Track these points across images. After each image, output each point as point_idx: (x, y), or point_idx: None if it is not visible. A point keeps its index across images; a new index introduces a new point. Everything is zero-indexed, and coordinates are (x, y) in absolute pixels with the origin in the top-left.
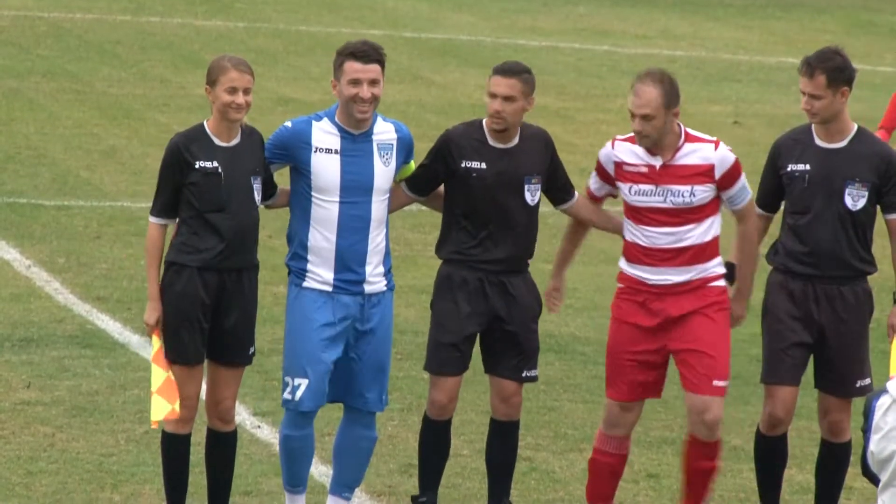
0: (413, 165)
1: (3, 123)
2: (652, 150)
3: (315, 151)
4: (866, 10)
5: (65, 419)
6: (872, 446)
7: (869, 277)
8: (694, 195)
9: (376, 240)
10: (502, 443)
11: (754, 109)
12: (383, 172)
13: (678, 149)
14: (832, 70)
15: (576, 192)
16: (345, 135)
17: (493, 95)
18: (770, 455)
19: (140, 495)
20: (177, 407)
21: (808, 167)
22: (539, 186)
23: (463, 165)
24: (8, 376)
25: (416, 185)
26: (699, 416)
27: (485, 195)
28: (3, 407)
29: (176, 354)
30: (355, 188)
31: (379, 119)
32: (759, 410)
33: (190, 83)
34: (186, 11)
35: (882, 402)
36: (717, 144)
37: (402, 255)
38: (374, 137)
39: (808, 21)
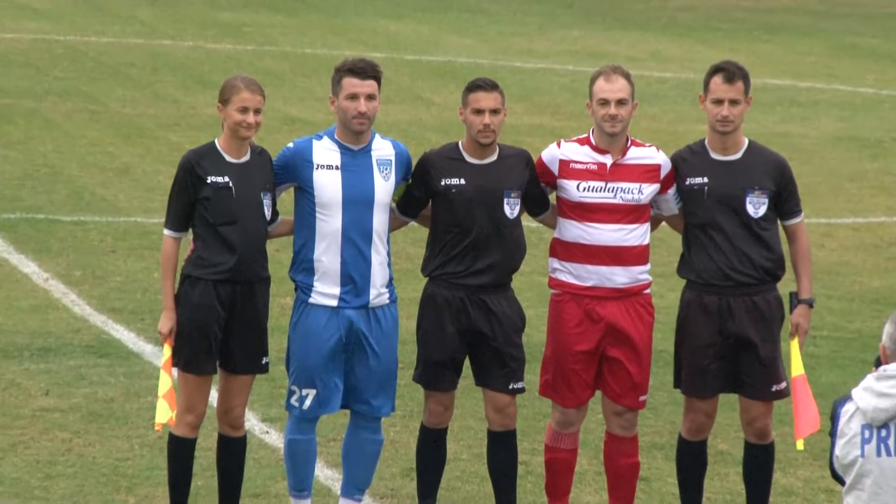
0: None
1: (22, 142)
2: (601, 149)
3: (317, 168)
4: (849, 33)
5: (81, 425)
6: (837, 451)
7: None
8: (642, 193)
9: (380, 253)
10: (502, 452)
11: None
12: (383, 186)
13: (626, 149)
14: (747, 78)
15: (551, 204)
16: (344, 150)
17: (478, 111)
18: (691, 460)
19: (153, 498)
20: (174, 416)
21: (706, 180)
22: (518, 201)
23: (443, 183)
24: (27, 384)
25: (405, 207)
26: (618, 417)
27: (466, 210)
28: (23, 413)
29: (189, 364)
30: (357, 201)
31: (377, 136)
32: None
33: (200, 103)
34: (197, 35)
35: (847, 409)
36: (657, 148)
37: (404, 269)
38: (373, 153)
39: (792, 44)
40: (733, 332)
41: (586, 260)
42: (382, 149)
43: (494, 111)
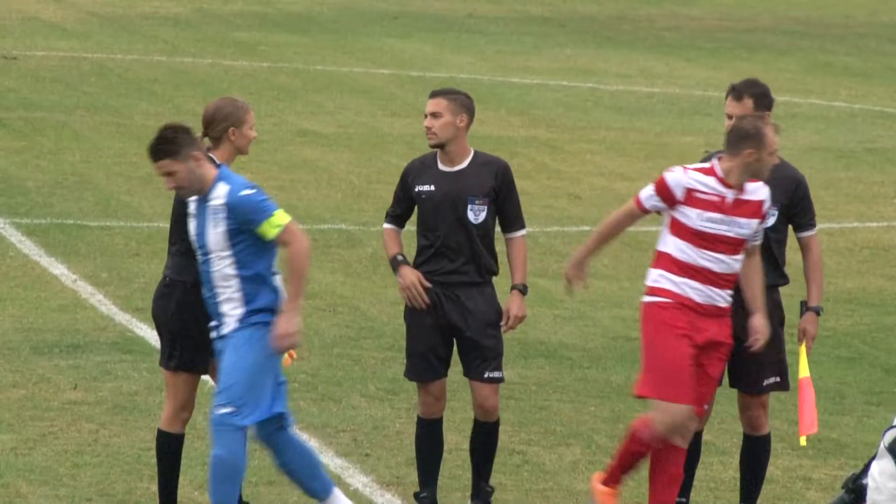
0: (270, 224)
1: (52, 153)
2: (727, 183)
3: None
4: (822, 51)
5: (107, 417)
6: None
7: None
8: (751, 228)
9: (226, 292)
10: (481, 440)
11: (722, 140)
12: (214, 235)
13: (745, 185)
14: (759, 95)
15: (522, 231)
16: (196, 198)
17: (425, 116)
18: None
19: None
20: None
21: None
22: (484, 207)
23: (416, 189)
24: (57, 379)
25: (397, 218)
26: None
27: (434, 214)
28: (52, 406)
29: (180, 363)
30: (200, 247)
31: (220, 184)
32: (726, 409)
33: None
34: (216, 53)
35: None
36: (763, 183)
37: None
38: (210, 202)
39: (771, 62)
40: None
41: (696, 279)
42: (216, 198)
43: (434, 115)
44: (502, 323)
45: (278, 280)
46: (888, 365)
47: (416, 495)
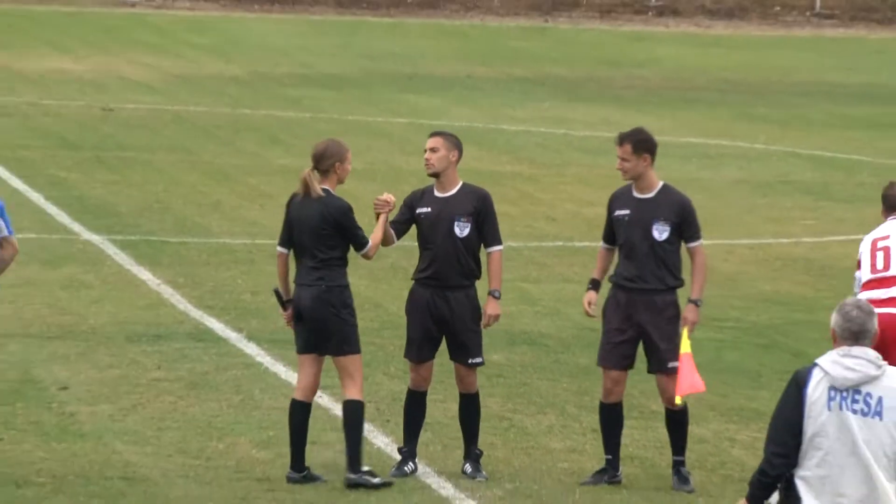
0: None
1: (139, 185)
2: None
3: None
4: (746, 104)
5: (184, 391)
6: (806, 408)
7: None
8: None
9: None
10: (465, 408)
11: (667, 175)
12: None
13: None
14: (636, 141)
15: (499, 247)
16: None
17: (425, 150)
18: (608, 418)
19: (236, 445)
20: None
21: (628, 212)
22: (468, 224)
23: (417, 211)
24: (144, 361)
25: (397, 228)
26: None
27: (430, 231)
28: (141, 382)
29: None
30: None
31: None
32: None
33: (271, 156)
34: (268, 105)
35: (815, 376)
36: None
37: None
38: None
39: (705, 112)
40: (636, 322)
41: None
42: None
43: (433, 150)
44: (483, 321)
45: None
46: (796, 350)
47: (399, 449)
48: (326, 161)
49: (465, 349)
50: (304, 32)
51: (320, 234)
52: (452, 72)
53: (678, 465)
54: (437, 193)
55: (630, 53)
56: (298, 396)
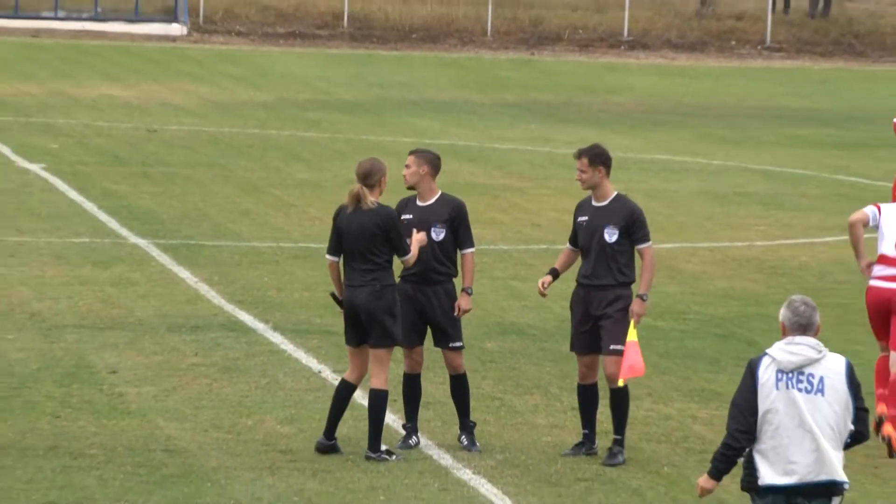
0: None
1: (179, 196)
2: None
3: None
4: (706, 126)
5: (218, 374)
6: (758, 390)
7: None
8: None
9: None
10: (455, 388)
11: (637, 187)
12: None
13: None
14: (591, 155)
15: (471, 249)
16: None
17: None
18: (584, 397)
19: (263, 421)
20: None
21: (586, 218)
22: (443, 230)
23: (402, 217)
24: (183, 348)
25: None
26: None
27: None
28: (180, 367)
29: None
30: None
31: None
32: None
33: (295, 171)
34: (292, 127)
35: (765, 362)
36: None
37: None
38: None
39: (672, 133)
40: (594, 315)
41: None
42: None
43: (407, 166)
44: (455, 312)
45: None
46: (749, 339)
47: (403, 425)
48: (373, 177)
49: (447, 335)
50: (322, 64)
51: (374, 240)
52: (451, 98)
53: (614, 443)
54: (418, 202)
55: (605, 82)
56: (348, 378)
